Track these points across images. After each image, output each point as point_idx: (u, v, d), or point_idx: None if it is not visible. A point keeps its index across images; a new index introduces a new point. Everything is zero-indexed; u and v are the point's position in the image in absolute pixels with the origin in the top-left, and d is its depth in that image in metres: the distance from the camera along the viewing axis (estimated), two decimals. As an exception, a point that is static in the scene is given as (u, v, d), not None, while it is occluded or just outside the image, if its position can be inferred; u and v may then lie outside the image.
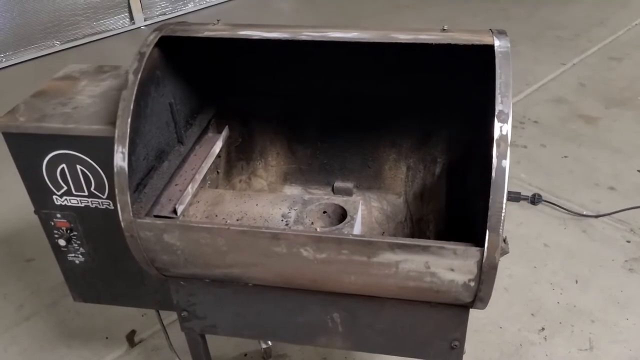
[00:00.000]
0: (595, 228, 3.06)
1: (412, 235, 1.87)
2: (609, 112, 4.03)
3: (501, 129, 1.20)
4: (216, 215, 1.70)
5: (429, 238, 1.85)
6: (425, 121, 1.85)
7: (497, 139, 1.20)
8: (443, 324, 1.48)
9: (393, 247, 1.28)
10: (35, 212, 1.68)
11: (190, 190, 1.62)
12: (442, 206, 1.85)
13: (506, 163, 1.19)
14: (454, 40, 1.35)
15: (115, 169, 1.33)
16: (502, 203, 1.20)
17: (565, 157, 3.64)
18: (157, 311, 1.84)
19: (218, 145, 1.82)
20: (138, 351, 2.49)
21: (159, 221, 1.38)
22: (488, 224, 1.21)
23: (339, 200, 1.74)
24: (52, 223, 1.66)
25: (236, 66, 1.82)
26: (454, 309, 1.44)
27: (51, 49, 5.37)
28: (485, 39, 1.35)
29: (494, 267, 1.25)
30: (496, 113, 1.21)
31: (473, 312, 1.48)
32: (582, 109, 4.12)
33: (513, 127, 3.86)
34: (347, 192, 1.95)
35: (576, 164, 3.57)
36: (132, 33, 5.90)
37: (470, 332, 1.66)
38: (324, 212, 1.74)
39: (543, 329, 2.51)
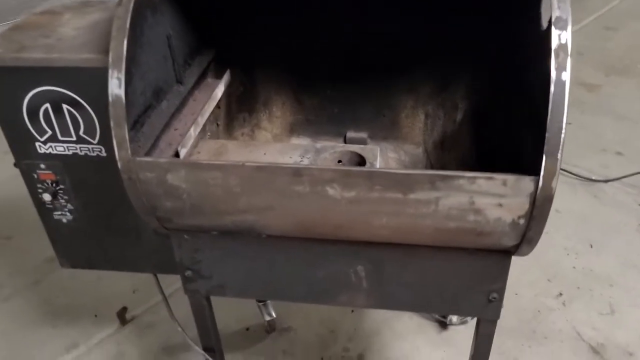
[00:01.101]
0: (606, 193, 2.95)
1: (433, 187, 1.71)
2: (609, 79, 3.93)
3: (560, 37, 1.05)
4: (220, 166, 1.52)
5: (452, 190, 1.70)
6: (445, 64, 1.69)
7: (555, 49, 1.04)
8: (481, 274, 1.32)
9: (434, 180, 1.12)
10: (16, 164, 1.48)
11: (193, 133, 1.44)
12: (465, 154, 1.70)
13: (567, 76, 1.03)
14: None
15: (110, 98, 1.15)
16: (562, 122, 1.04)
17: (569, 123, 3.51)
18: (155, 276, 1.66)
19: (220, 89, 1.64)
20: (130, 329, 2.30)
21: (162, 159, 1.20)
22: (545, 147, 1.06)
23: (356, 147, 1.58)
24: (35, 175, 1.47)
25: (237, 6, 1.64)
26: (494, 256, 1.29)
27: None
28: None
29: (549, 200, 1.10)
30: (553, 20, 1.05)
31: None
32: (582, 77, 4.01)
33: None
34: (361, 143, 1.78)
35: (581, 130, 3.46)
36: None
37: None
38: (339, 161, 1.58)
39: (561, 294, 2.39)
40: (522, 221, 1.14)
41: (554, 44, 1.04)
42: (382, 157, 1.77)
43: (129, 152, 1.18)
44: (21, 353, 2.23)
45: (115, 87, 1.15)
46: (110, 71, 1.15)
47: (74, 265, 1.66)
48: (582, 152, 3.25)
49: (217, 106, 1.76)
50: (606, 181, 3.01)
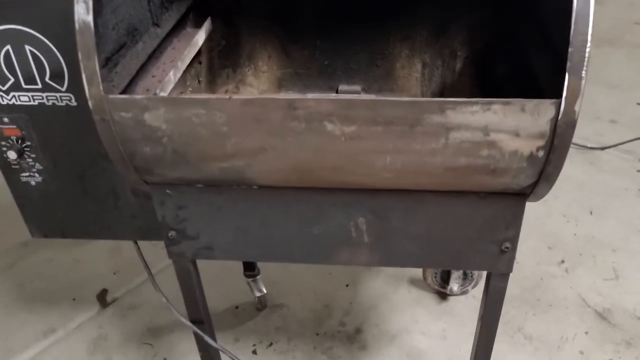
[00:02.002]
0: (603, 160, 2.88)
1: (434, 140, 1.60)
2: (600, 50, 3.85)
3: (582, -61, 0.93)
4: (204, 118, 1.39)
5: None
6: (441, 6, 1.58)
7: (577, -46, 0.93)
8: (494, 221, 1.21)
9: (444, 107, 1.00)
10: (-24, 121, 1.34)
11: (173, 78, 1.31)
12: (466, 105, 1.59)
13: (591, -18, 0.93)
14: None
15: (77, 25, 1.01)
16: (587, 35, 0.93)
17: (561, 94, 3.44)
18: (136, 243, 1.52)
19: (201, 37, 1.51)
20: (112, 311, 2.17)
21: (138, 96, 1.07)
22: (568, 64, 0.95)
23: (350, 96, 1.46)
24: (-1, 132, 1.33)
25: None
26: (508, 200, 1.18)
27: None
28: None
29: (572, 125, 0.99)
30: None
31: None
32: (571, 48, 3.94)
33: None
34: (355, 97, 1.67)
35: (573, 99, 3.38)
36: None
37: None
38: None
39: (563, 261, 2.30)
40: (540, 153, 1.03)
41: (577, -53, 0.93)
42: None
43: (101, 88, 1.05)
44: (-5, 340, 2.08)
45: (82, 12, 1.01)
46: (76, -6, 1.01)
47: (47, 234, 1.52)
48: (575, 121, 3.17)
49: (199, 61, 1.63)
50: (602, 148, 2.94)
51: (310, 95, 1.05)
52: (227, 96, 1.04)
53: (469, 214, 1.21)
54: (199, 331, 1.49)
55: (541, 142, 1.02)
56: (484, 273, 1.38)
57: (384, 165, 1.09)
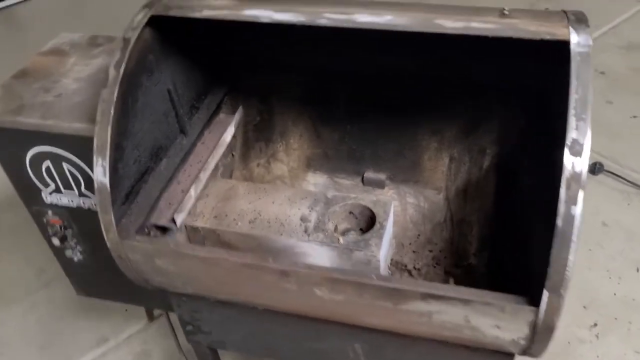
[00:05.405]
0: (665, 205, 2.72)
1: (451, 239, 1.62)
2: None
3: (574, 165, 0.91)
4: (226, 215, 1.48)
5: (470, 244, 1.59)
6: (473, 105, 1.55)
7: (567, 178, 0.91)
8: (483, 368, 1.25)
9: (425, 297, 1.04)
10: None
11: (193, 193, 1.39)
12: (488, 207, 1.58)
13: (577, 210, 0.91)
14: (517, 33, 1.03)
15: (96, 185, 1.12)
16: (568, 260, 0.93)
17: (635, 117, 3.23)
18: (167, 314, 1.68)
19: (230, 132, 1.57)
20: (157, 326, 2.38)
21: (148, 245, 1.17)
22: (547, 282, 0.95)
23: (368, 201, 1.49)
24: (45, 220, 1.48)
25: (249, 41, 1.54)
26: (496, 356, 1.21)
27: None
28: (558, 32, 1.03)
29: (550, 330, 1.01)
30: (568, 143, 0.92)
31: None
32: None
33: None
34: (379, 185, 1.69)
35: (648, 125, 3.16)
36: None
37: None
38: (350, 212, 1.50)
39: (595, 324, 2.26)
40: (522, 342, 1.06)
41: (566, 172, 0.91)
42: (399, 202, 1.68)
43: (116, 235, 1.16)
44: (55, 342, 2.35)
45: (101, 175, 1.11)
46: (95, 158, 1.11)
47: (88, 295, 1.71)
48: (644, 154, 2.99)
49: (233, 136, 1.70)
50: (667, 191, 2.77)
51: (301, 266, 1.11)
52: (224, 256, 1.12)
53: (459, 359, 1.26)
54: (216, 395, 1.66)
55: (521, 335, 1.04)
56: None
57: (372, 322, 1.15)
